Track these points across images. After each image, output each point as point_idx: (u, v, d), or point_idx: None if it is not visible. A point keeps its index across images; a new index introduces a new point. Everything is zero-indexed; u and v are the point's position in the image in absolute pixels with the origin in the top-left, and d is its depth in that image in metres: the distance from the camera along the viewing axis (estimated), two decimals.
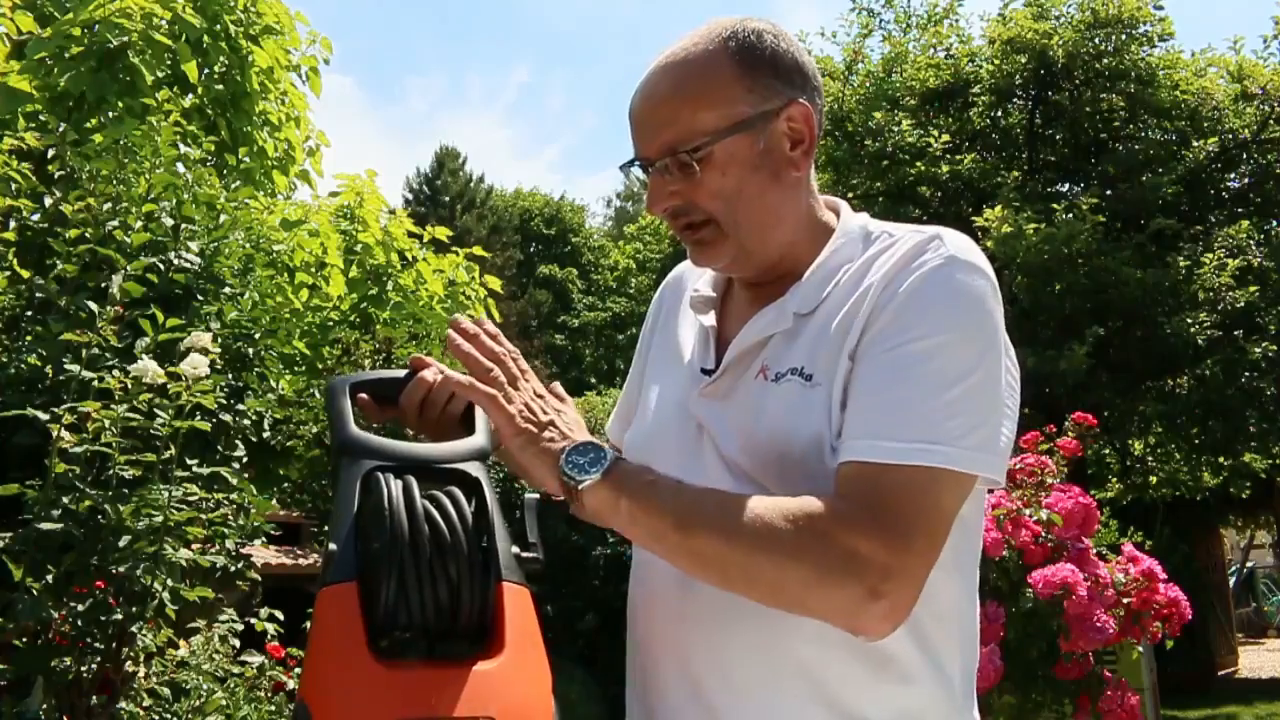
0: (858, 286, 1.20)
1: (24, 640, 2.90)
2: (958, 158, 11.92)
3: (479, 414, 1.24)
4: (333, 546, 1.09)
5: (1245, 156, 12.28)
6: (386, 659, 1.03)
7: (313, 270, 6.33)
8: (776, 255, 1.27)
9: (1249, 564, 21.20)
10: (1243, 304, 10.46)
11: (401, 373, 1.32)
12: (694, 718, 1.20)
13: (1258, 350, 10.54)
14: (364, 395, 1.29)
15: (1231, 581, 17.38)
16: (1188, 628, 3.46)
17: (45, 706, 2.95)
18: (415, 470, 1.15)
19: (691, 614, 1.20)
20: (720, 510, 1.07)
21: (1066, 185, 12.73)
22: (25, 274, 3.71)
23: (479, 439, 1.22)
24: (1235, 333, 10.66)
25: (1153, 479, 12.24)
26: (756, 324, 1.26)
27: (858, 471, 1.09)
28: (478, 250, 7.33)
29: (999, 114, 12.85)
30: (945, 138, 11.94)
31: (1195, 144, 11.91)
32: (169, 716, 3.55)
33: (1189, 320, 10.31)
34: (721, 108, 1.22)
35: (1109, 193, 11.47)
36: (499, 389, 1.15)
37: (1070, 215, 10.29)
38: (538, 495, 1.22)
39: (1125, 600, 3.28)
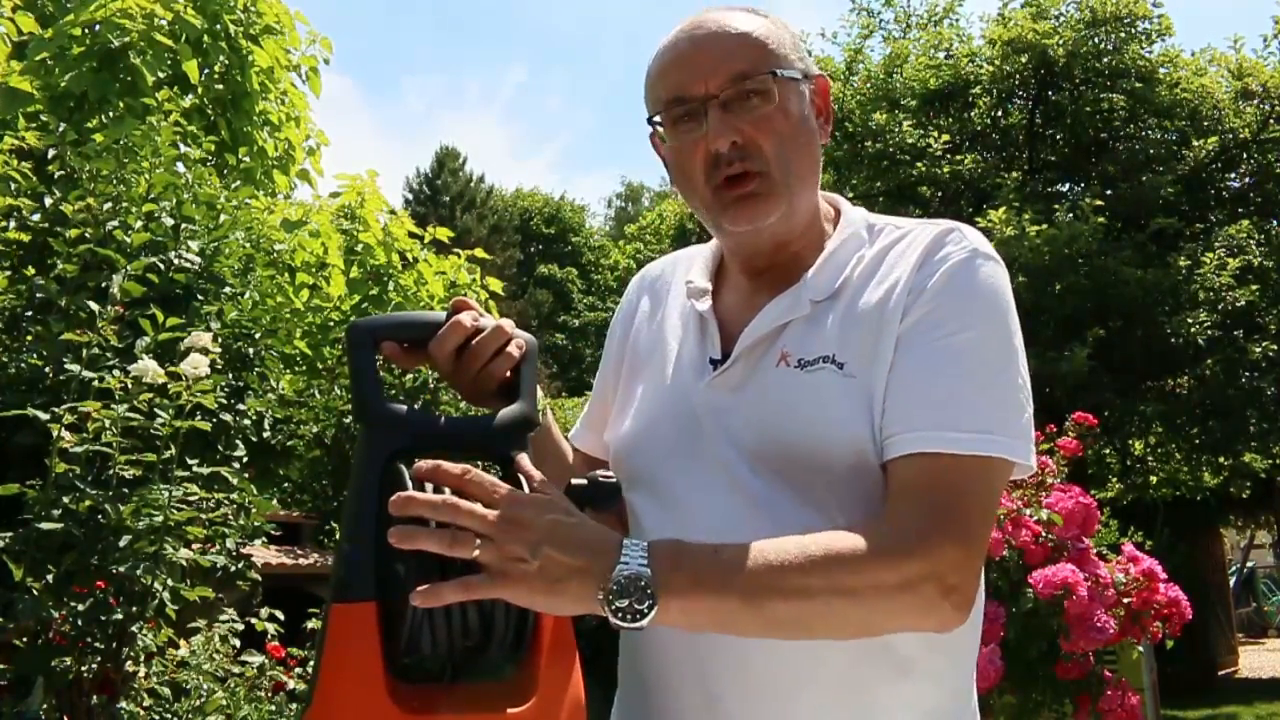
0: (881, 275, 1.20)
1: (24, 640, 2.90)
2: (958, 158, 11.91)
3: (524, 372, 1.11)
4: (347, 548, 0.99)
5: (1245, 156, 12.28)
6: (406, 702, 0.94)
7: (313, 270, 6.33)
8: (805, 225, 1.26)
9: (1249, 564, 21.18)
10: (1243, 303, 10.46)
11: (436, 315, 1.15)
12: None
13: (1258, 350, 10.54)
14: (389, 343, 1.13)
15: (1232, 581, 17.37)
16: (1188, 628, 3.45)
17: (46, 706, 2.95)
18: (446, 447, 1.04)
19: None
20: (783, 568, 1.00)
21: (1067, 185, 12.73)
22: (27, 273, 3.71)
23: (522, 407, 1.09)
24: (1235, 332, 10.66)
25: (1153, 479, 12.24)
26: (772, 310, 1.22)
27: (920, 464, 1.09)
28: (479, 252, 7.33)
29: (999, 114, 12.85)
30: (945, 138, 11.94)
31: (1195, 143, 11.91)
32: (169, 716, 3.55)
33: (1189, 320, 10.30)
34: (781, 52, 1.22)
35: (1109, 192, 11.46)
36: (498, 562, 0.95)
37: (1072, 216, 10.29)
38: (583, 482, 1.10)
39: (1125, 600, 3.28)
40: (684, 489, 1.21)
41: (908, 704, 1.15)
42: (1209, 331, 10.32)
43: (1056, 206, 10.64)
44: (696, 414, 1.23)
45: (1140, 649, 3.91)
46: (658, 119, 1.24)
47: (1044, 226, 9.99)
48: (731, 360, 1.22)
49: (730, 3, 1.26)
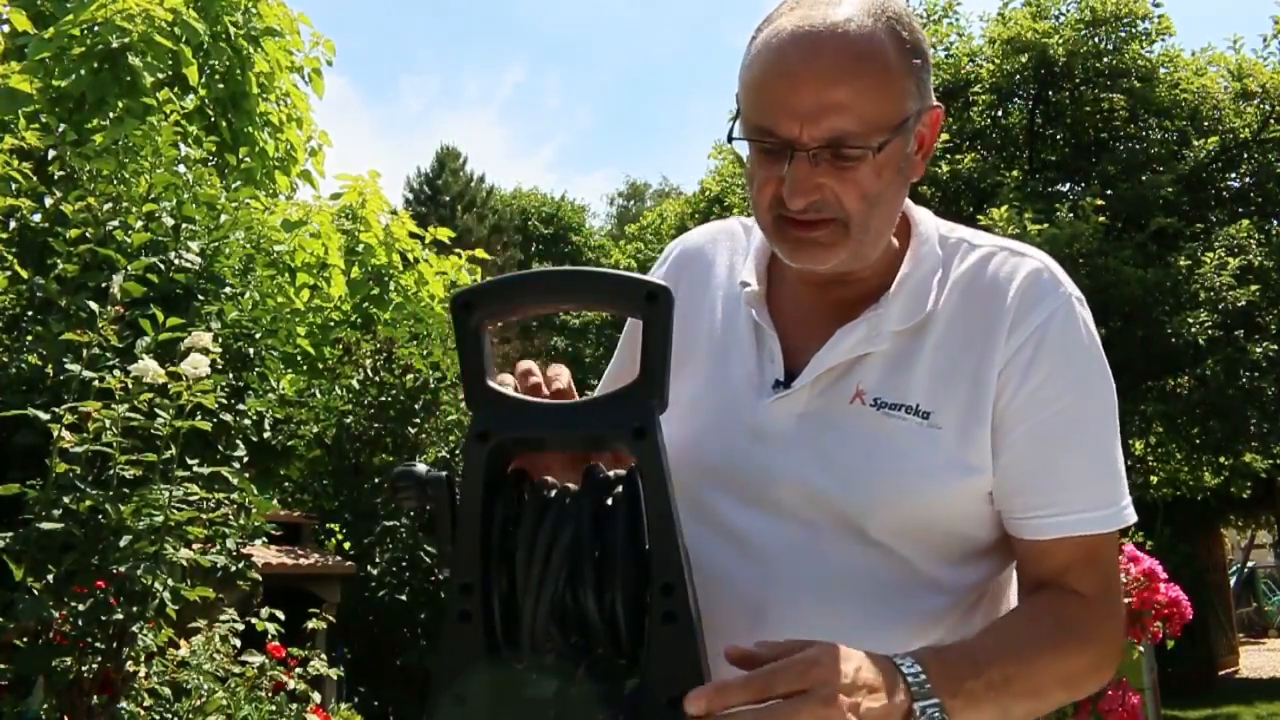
0: (970, 316, 1.12)
1: (25, 640, 2.90)
2: (958, 157, 11.92)
3: (650, 338, 0.96)
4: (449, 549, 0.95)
5: (1245, 156, 12.28)
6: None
7: (314, 271, 6.34)
8: (867, 260, 1.13)
9: (1250, 564, 21.18)
10: (1243, 303, 10.46)
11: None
12: None
13: (1258, 350, 10.54)
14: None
15: (1232, 581, 17.37)
16: (1188, 627, 3.45)
17: (46, 706, 2.95)
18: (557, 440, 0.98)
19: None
20: (1031, 674, 1.04)
21: (1067, 185, 12.73)
22: (26, 274, 3.71)
23: (646, 391, 0.96)
24: (1236, 332, 10.65)
25: (1153, 479, 12.23)
26: (847, 339, 1.12)
27: (1080, 545, 1.10)
28: (480, 253, 7.33)
29: (999, 113, 12.85)
30: (945, 137, 11.94)
31: (1195, 143, 11.91)
32: (170, 716, 3.55)
33: (1190, 320, 10.30)
34: (895, 103, 1.07)
35: (1109, 192, 11.46)
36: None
37: (1073, 215, 10.29)
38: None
39: (1126, 601, 3.28)
40: (733, 513, 1.12)
41: None
42: (1209, 331, 10.32)
43: (1057, 206, 10.64)
44: (753, 434, 1.13)
45: (1141, 649, 3.91)
46: (739, 130, 1.11)
47: (1045, 226, 9.98)
48: (798, 386, 1.12)
49: (838, 2, 1.07)
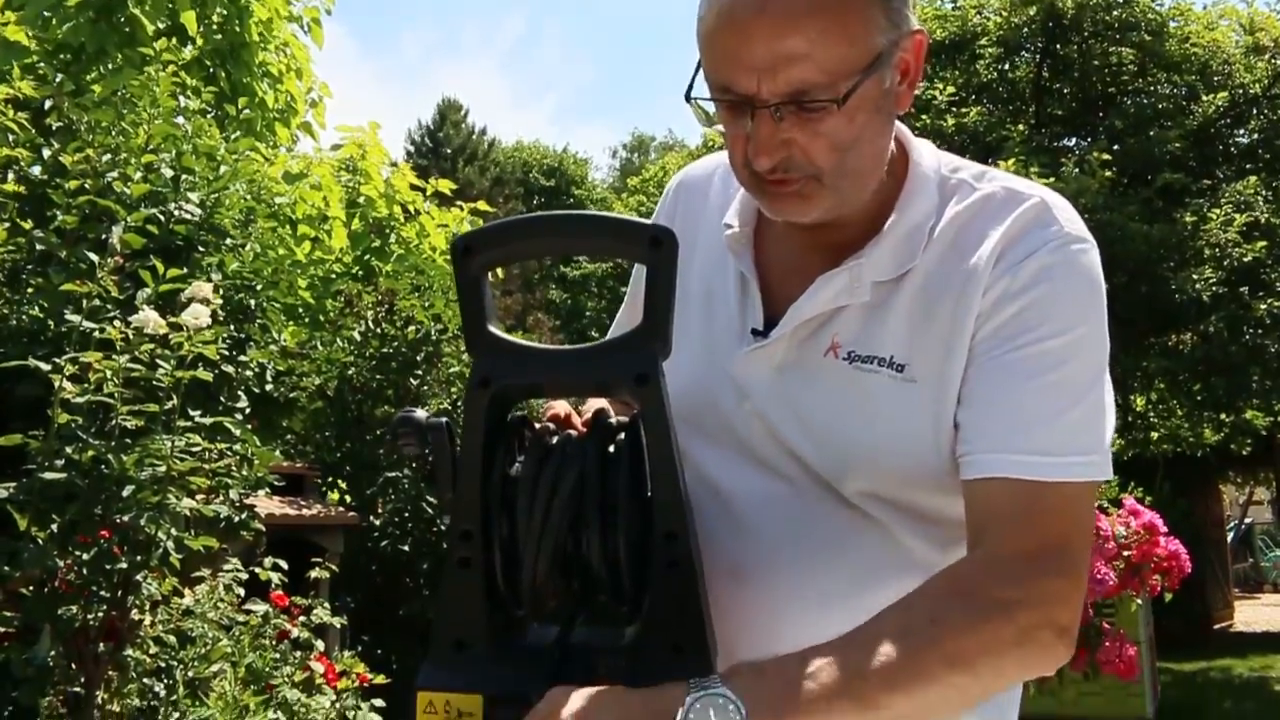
0: (955, 262, 1.04)
1: (30, 588, 2.93)
2: (963, 111, 11.80)
3: (655, 281, 0.94)
4: (450, 496, 0.94)
5: (1255, 111, 12.15)
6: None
7: (315, 223, 6.32)
8: (853, 206, 1.06)
9: (1247, 520, 21.30)
10: (1249, 260, 10.41)
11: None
12: None
13: (1263, 307, 10.50)
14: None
15: (1229, 537, 17.47)
16: (1185, 582, 3.47)
17: (54, 653, 2.97)
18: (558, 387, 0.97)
19: (739, 608, 1.05)
20: (890, 662, 0.89)
21: (1073, 140, 12.62)
22: (26, 226, 3.70)
23: (649, 336, 0.94)
24: (1241, 289, 10.61)
25: (1154, 435, 12.26)
26: (825, 289, 1.06)
27: (1014, 490, 0.98)
28: (482, 205, 7.30)
29: (1006, 67, 12.70)
30: (951, 90, 11.82)
31: (1205, 98, 11.79)
32: (175, 663, 3.58)
33: (1194, 276, 10.26)
34: (862, 41, 0.97)
35: (1116, 147, 11.36)
36: None
37: (1079, 170, 10.22)
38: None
39: (1126, 553, 3.29)
40: (712, 465, 1.10)
41: None
42: (1214, 288, 10.28)
43: (1063, 161, 10.57)
44: (732, 385, 1.10)
45: (1139, 602, 3.94)
46: (701, 85, 1.03)
47: (1051, 180, 9.92)
48: (775, 337, 1.08)
49: None
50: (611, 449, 0.96)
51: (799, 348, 1.08)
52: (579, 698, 0.86)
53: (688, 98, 1.03)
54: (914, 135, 1.15)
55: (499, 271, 6.28)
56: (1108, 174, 10.12)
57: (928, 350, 1.03)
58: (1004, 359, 1.01)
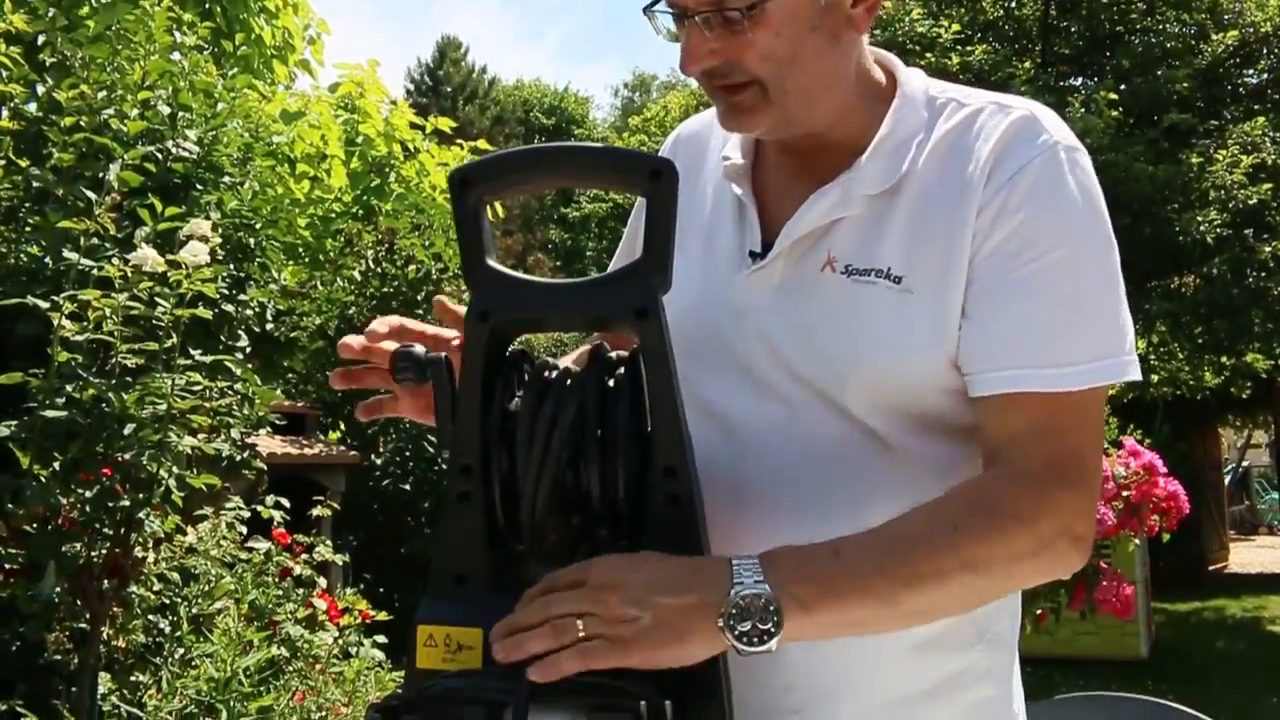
0: (948, 173, 1.06)
1: (34, 526, 2.95)
2: (968, 49, 11.64)
3: (653, 216, 0.94)
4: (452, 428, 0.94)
5: (1265, 51, 11.99)
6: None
7: (314, 162, 6.26)
8: (824, 124, 1.09)
9: (1245, 463, 21.42)
10: (1254, 202, 10.33)
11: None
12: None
13: (1267, 249, 10.45)
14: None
15: (1227, 480, 17.58)
16: (1181, 524, 3.49)
17: (59, 590, 3.00)
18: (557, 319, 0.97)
19: (740, 532, 1.04)
20: (913, 558, 0.93)
21: (1080, 79, 12.46)
22: (22, 163, 3.66)
23: (649, 270, 0.94)
24: (1245, 231, 10.54)
25: (1154, 378, 12.26)
26: (818, 205, 1.08)
27: (1029, 404, 1.00)
28: (482, 144, 7.23)
29: (1013, 4, 12.50)
30: (956, 28, 11.64)
31: (1214, 37, 11.62)
32: (178, 600, 3.62)
33: (1199, 218, 10.19)
34: None
35: (1123, 87, 11.23)
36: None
37: (1085, 110, 10.11)
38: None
39: (1125, 494, 3.31)
40: (713, 392, 1.10)
41: (941, 673, 1.08)
42: (1218, 230, 10.22)
43: (1069, 100, 10.44)
44: (732, 310, 1.11)
45: (1136, 542, 3.97)
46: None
47: None
48: (772, 256, 1.09)
49: None
50: (611, 383, 0.95)
51: (796, 265, 1.09)
52: (615, 557, 0.90)
53: (645, 10, 1.07)
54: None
55: (499, 211, 6.24)
56: (1114, 114, 10.01)
57: (925, 262, 1.04)
58: (1009, 276, 1.02)
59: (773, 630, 0.88)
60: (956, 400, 1.05)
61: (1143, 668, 8.13)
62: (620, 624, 0.87)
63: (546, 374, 0.95)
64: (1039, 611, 3.33)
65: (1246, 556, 15.61)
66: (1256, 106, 11.81)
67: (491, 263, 0.96)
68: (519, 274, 0.98)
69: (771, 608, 0.88)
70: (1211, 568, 13.86)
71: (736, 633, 0.87)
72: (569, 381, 0.94)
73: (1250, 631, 10.23)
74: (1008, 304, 1.02)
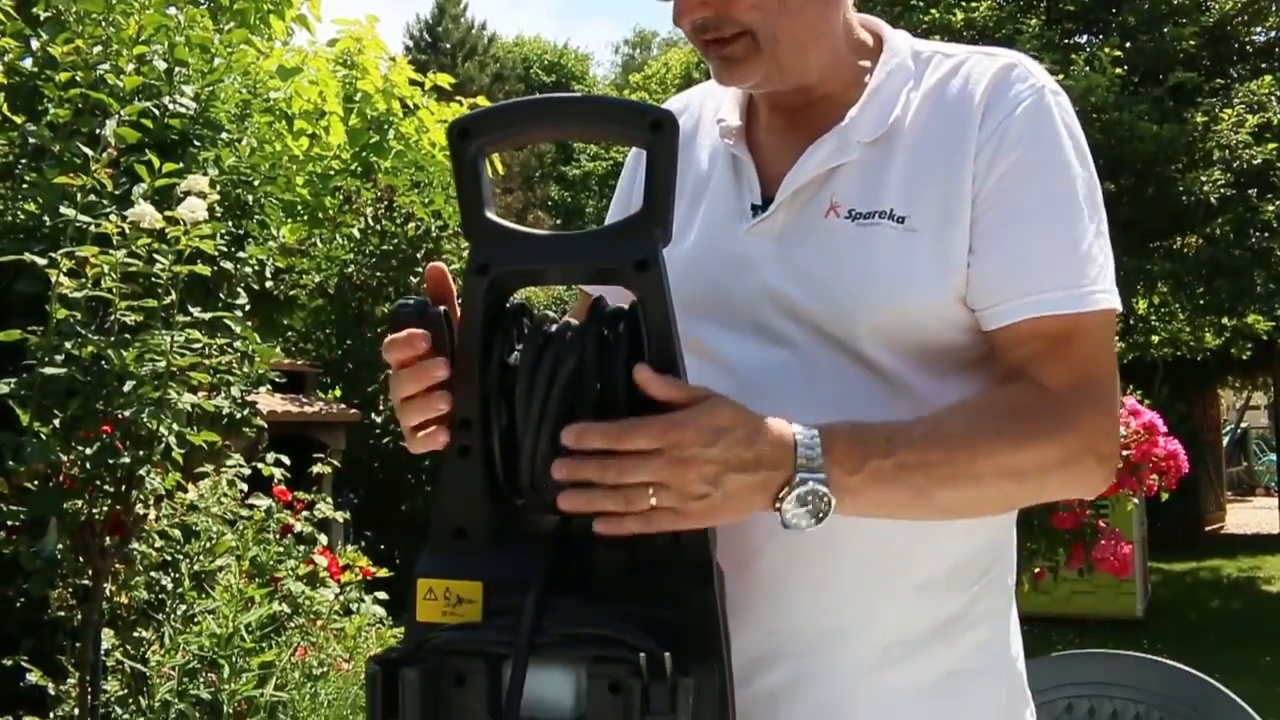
0: (942, 117, 1.10)
1: (35, 483, 2.95)
2: (973, 4, 11.52)
3: (654, 166, 0.94)
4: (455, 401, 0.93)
5: (1274, 8, 11.86)
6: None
7: (312, 118, 6.21)
8: (815, 76, 1.13)
9: (1243, 425, 21.48)
10: (1259, 162, 10.27)
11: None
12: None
13: (1270, 209, 10.40)
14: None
15: (1225, 441, 17.63)
16: (1179, 484, 3.49)
17: (61, 547, 3.02)
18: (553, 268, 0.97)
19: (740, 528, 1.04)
20: (954, 458, 0.98)
21: (1085, 37, 12.34)
22: (18, 120, 3.63)
23: (649, 222, 0.93)
24: (1249, 191, 10.48)
25: (1154, 338, 12.26)
26: (816, 153, 1.11)
27: (1049, 328, 1.04)
28: (482, 101, 7.16)
29: None
30: None
31: None
32: (180, 557, 3.64)
33: (1203, 178, 10.13)
34: None
35: (1128, 44, 11.13)
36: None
37: (1089, 68, 10.01)
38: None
39: (1125, 452, 3.31)
40: (714, 341, 1.12)
41: (940, 615, 1.10)
42: (1222, 190, 10.16)
43: (1074, 57, 10.35)
44: (734, 262, 1.13)
45: (1135, 501, 3.98)
46: None
47: (1060, 78, 9.73)
48: (774, 207, 1.12)
49: None
50: (611, 336, 0.94)
51: (799, 213, 1.11)
52: (693, 423, 0.91)
53: None
54: (921, 29, 1.20)
55: (498, 168, 6.21)
56: (1118, 71, 9.92)
57: (926, 202, 1.08)
58: (1014, 209, 1.06)
59: (820, 518, 0.93)
60: (964, 337, 1.09)
61: (1138, 627, 8.21)
62: (691, 500, 0.90)
63: (546, 327, 0.94)
64: (1037, 570, 3.35)
65: (1243, 517, 15.70)
66: (1264, 65, 11.70)
67: (490, 215, 0.95)
68: (518, 226, 0.97)
69: (825, 500, 0.93)
70: (1208, 528, 13.94)
71: (788, 515, 0.93)
72: (568, 335, 0.93)
73: (1245, 591, 10.30)
74: (1016, 235, 1.06)
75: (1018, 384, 1.05)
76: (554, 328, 0.94)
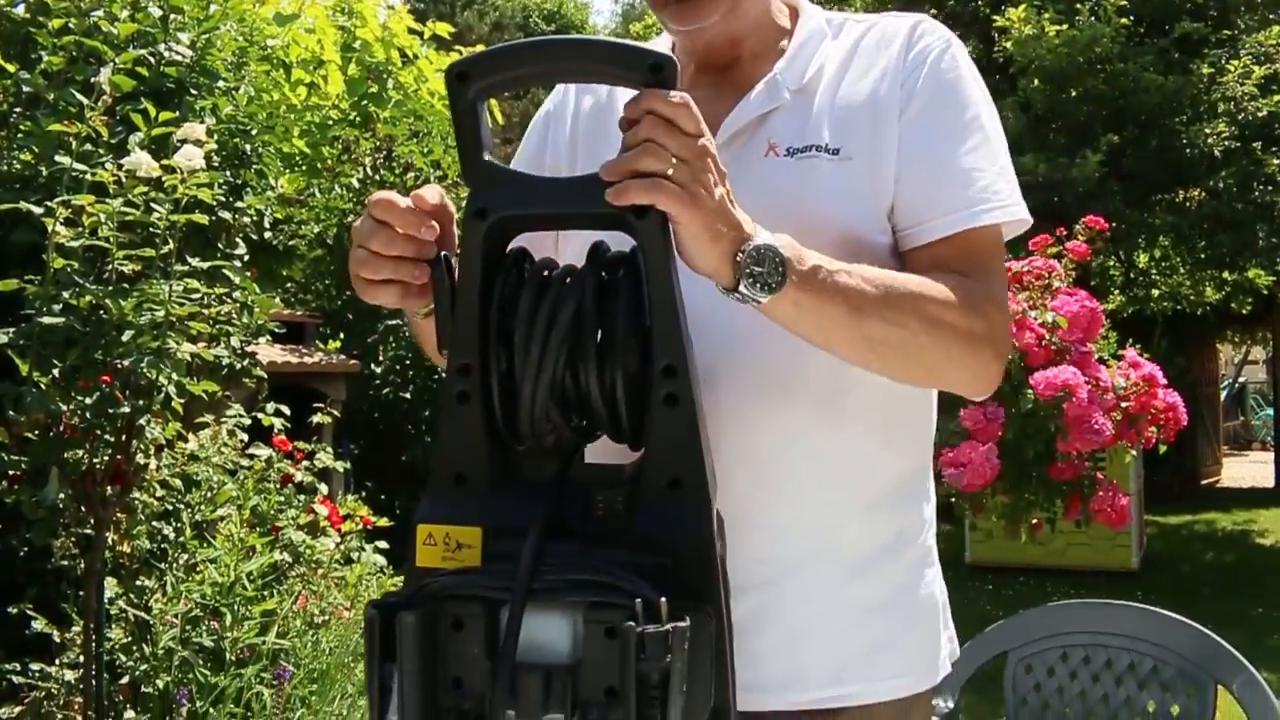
0: (861, 65, 1.24)
1: (36, 433, 2.96)
2: None
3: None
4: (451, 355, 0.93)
5: None
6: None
7: (310, 67, 6.14)
8: (752, 26, 1.26)
9: (1241, 379, 21.50)
10: (1264, 114, 10.17)
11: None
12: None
13: (1275, 162, 10.32)
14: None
15: (1223, 395, 17.66)
16: (1177, 437, 3.50)
17: (63, 496, 3.03)
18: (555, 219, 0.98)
19: (713, 411, 1.08)
20: (887, 294, 1.08)
21: None
22: (11, 68, 3.59)
23: None
24: (1254, 144, 10.40)
25: (1155, 292, 12.23)
26: (752, 101, 1.23)
27: (956, 242, 1.17)
28: (480, 49, 7.09)
29: None
30: None
31: None
32: (181, 506, 3.66)
33: (1207, 131, 10.04)
34: None
35: None
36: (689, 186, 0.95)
37: (1094, 18, 9.89)
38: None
39: (1124, 405, 3.31)
40: None
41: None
42: (1226, 143, 10.08)
43: (1078, 6, 10.22)
44: None
45: (1133, 453, 3.99)
46: None
47: (1064, 27, 9.61)
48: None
49: None
50: (610, 280, 0.94)
51: (738, 155, 1.20)
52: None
53: None
54: None
55: (498, 118, 6.16)
56: (1123, 21, 9.80)
57: (856, 133, 1.20)
58: (929, 139, 1.19)
59: (774, 286, 0.99)
60: (898, 262, 1.20)
61: (1133, 578, 8.27)
62: (700, 186, 0.94)
63: (546, 272, 0.94)
64: (1034, 520, 3.37)
65: (1239, 471, 15.77)
66: (1271, 15, 11.55)
67: (489, 159, 0.94)
68: (518, 170, 0.96)
69: (779, 267, 0.99)
70: (1204, 482, 14.00)
71: (748, 271, 0.98)
72: (568, 279, 0.92)
73: (1239, 544, 10.37)
74: (932, 159, 1.19)
75: (948, 278, 1.16)
76: (554, 272, 0.94)
